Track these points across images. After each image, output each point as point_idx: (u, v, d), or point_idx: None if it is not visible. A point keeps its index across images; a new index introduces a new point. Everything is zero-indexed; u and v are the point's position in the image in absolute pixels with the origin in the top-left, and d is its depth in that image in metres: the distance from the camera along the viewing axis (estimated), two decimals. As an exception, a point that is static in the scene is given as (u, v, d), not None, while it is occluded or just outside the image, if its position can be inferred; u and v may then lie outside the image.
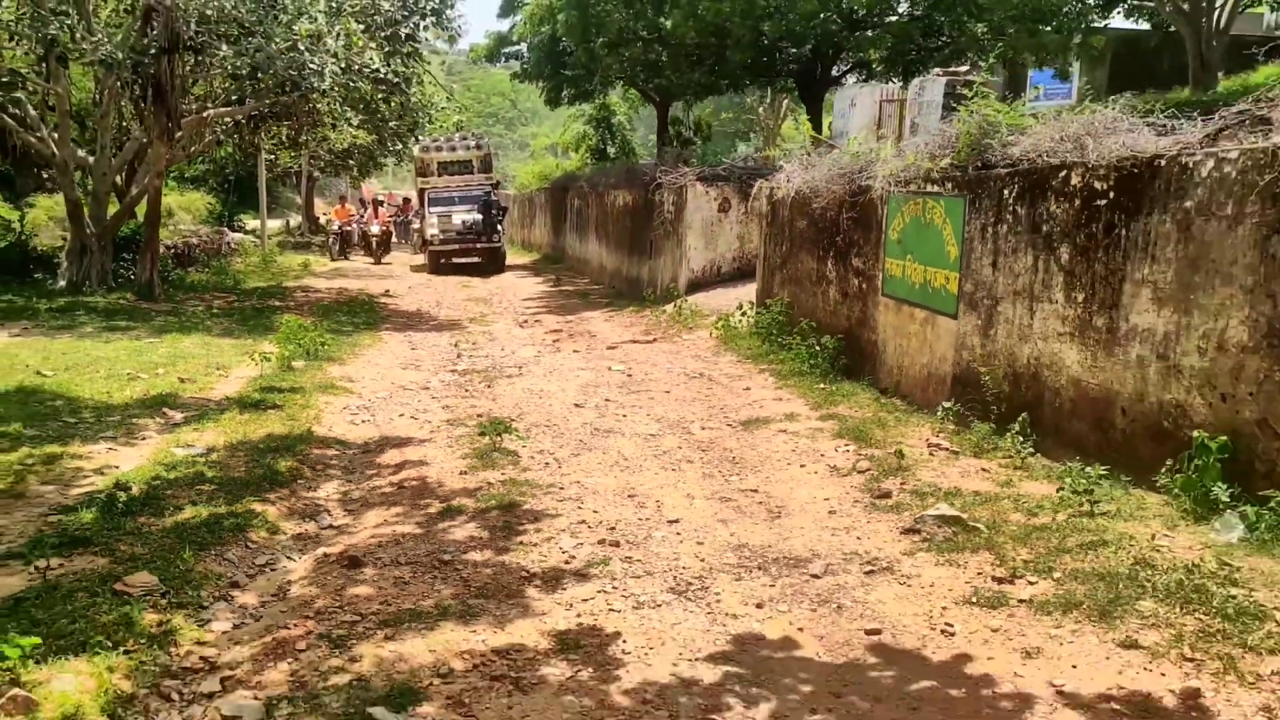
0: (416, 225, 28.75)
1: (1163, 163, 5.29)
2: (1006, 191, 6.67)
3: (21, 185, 23.43)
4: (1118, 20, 23.70)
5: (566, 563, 4.74)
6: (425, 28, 15.14)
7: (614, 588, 4.43)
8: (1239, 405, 4.82)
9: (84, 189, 15.11)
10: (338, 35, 12.72)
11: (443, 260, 22.68)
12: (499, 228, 23.15)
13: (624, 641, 3.90)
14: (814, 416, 7.64)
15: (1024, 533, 4.80)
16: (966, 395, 7.05)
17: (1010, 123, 7.00)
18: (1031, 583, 4.30)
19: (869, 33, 15.35)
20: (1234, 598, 3.84)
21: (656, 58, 17.15)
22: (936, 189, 7.57)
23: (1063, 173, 6.09)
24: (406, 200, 33.50)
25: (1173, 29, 22.64)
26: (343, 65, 12.80)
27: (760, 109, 35.44)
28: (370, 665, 3.68)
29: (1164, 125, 5.66)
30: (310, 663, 3.74)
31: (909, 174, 7.89)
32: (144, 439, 6.78)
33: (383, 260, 25.11)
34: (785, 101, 31.23)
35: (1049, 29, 15.23)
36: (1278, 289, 4.61)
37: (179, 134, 13.90)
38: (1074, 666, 3.60)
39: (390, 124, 18.35)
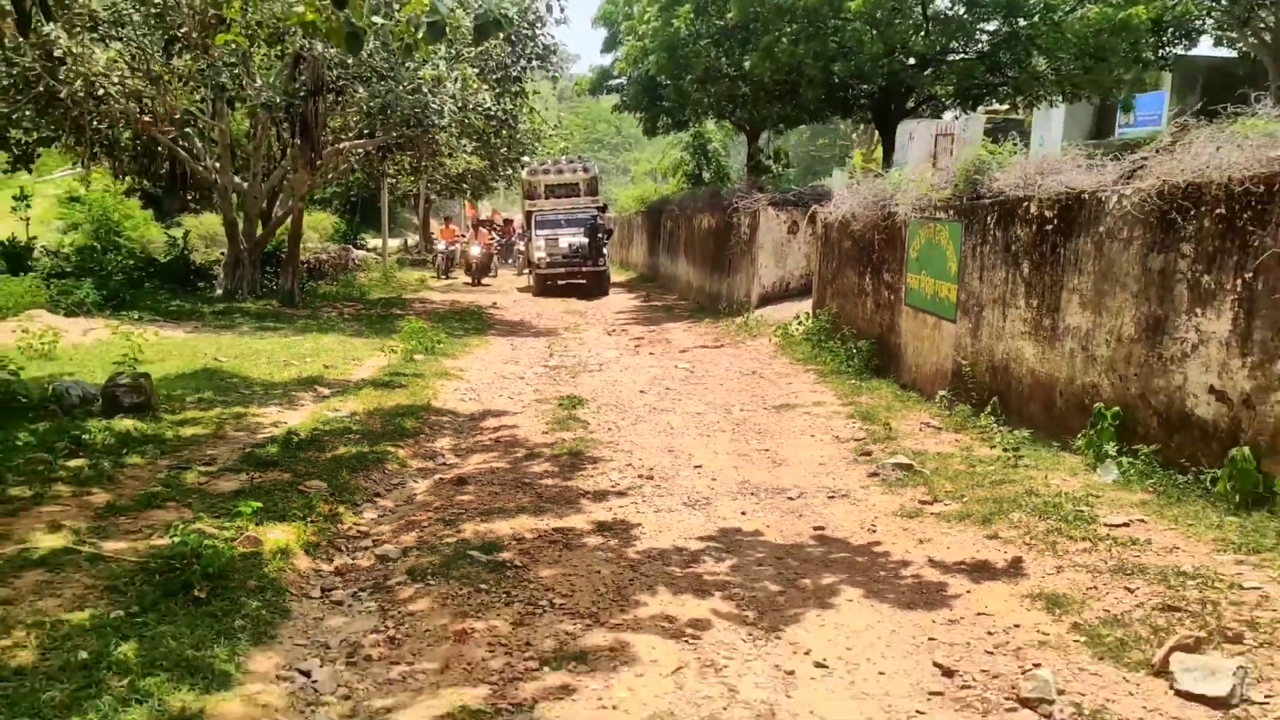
0: (520, 247, 29.87)
1: (1085, 196, 6.84)
2: (989, 218, 8.25)
3: (168, 206, 26.76)
4: (1207, 47, 24.53)
5: (612, 487, 6.56)
6: (531, 70, 17.32)
7: (642, 501, 6.23)
8: (1128, 383, 6.33)
9: (239, 210, 17.72)
10: (455, 79, 14.92)
11: (548, 282, 22.78)
12: (604, 251, 23.29)
13: (642, 528, 5.69)
14: (837, 404, 9.30)
15: (956, 476, 6.42)
16: (959, 386, 8.62)
17: (999, 161, 8.57)
18: (946, 505, 5.92)
19: (934, 71, 16.85)
20: (1080, 513, 5.41)
21: (740, 93, 18.96)
22: (942, 215, 9.17)
23: (1024, 203, 7.66)
24: (508, 222, 34.75)
25: (1257, 58, 23.38)
26: (459, 105, 14.99)
27: (854, 136, 36.85)
28: (470, 534, 5.56)
29: (1098, 164, 7.18)
30: (430, 532, 5.65)
31: (923, 202, 9.50)
32: (302, 405, 8.88)
33: (481, 282, 25.67)
34: (874, 131, 32.61)
35: (1107, 63, 16.44)
36: (1152, 294, 6.13)
37: (319, 163, 16.33)
38: (948, 548, 5.23)
39: (500, 151, 20.63)
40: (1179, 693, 3.57)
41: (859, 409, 8.89)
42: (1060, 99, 17.78)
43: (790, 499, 6.25)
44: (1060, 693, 3.63)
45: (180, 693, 3.56)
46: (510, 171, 25.16)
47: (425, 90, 14.99)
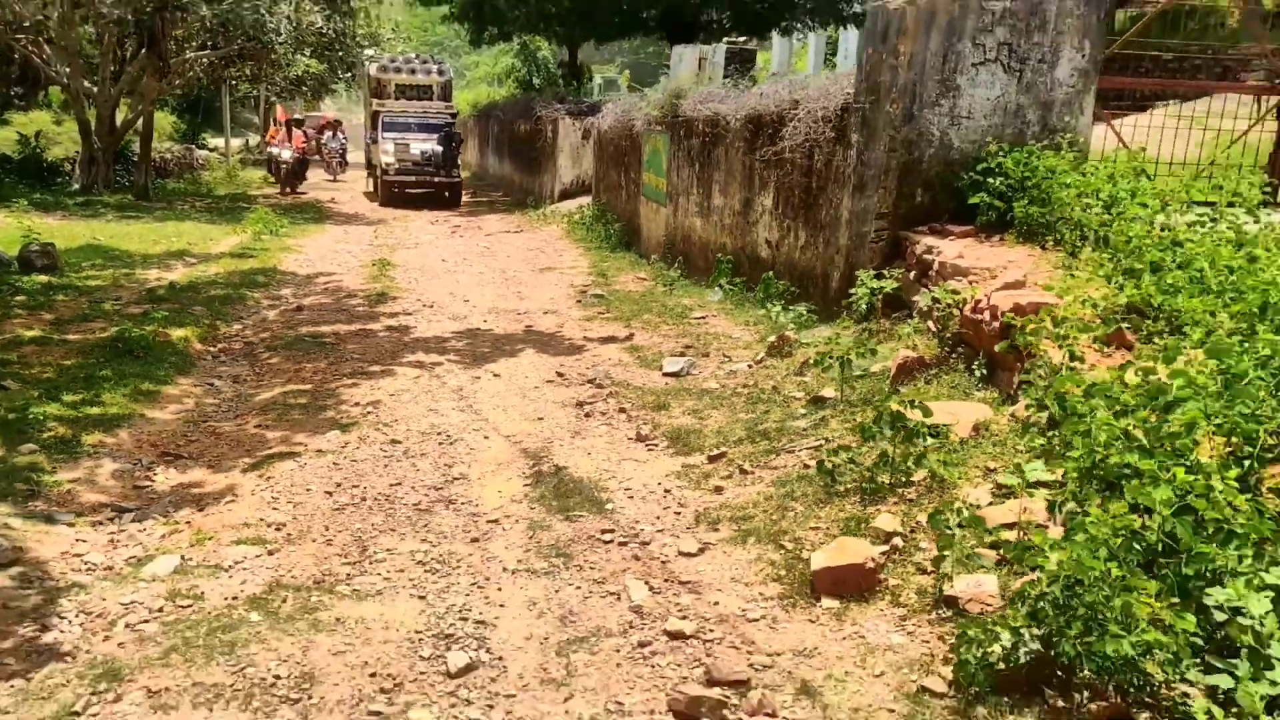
0: (334, 146, 30.19)
1: (723, 118, 10.52)
2: (682, 132, 11.88)
3: (28, 102, 28.03)
4: None
5: (403, 311, 10.02)
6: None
7: (421, 318, 9.71)
8: (736, 240, 10.14)
9: (91, 112, 19.85)
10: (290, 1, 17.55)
11: (396, 190, 21.95)
12: (458, 161, 22.61)
13: (416, 329, 9.19)
14: (586, 266, 12.93)
15: (627, 299, 10.15)
16: (668, 251, 12.36)
17: (694, 90, 12.17)
18: (611, 313, 9.63)
19: (707, 3, 20.38)
20: (683, 312, 9.19)
21: (549, 12, 22.05)
22: (658, 128, 12.77)
23: (696, 122, 11.31)
24: (336, 122, 33.91)
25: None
26: (294, 24, 17.65)
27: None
28: (304, 332, 8.94)
29: (733, 95, 10.82)
30: (278, 331, 8.99)
31: (650, 118, 13.07)
32: (175, 269, 11.90)
33: (296, 190, 23.66)
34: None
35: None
36: (746, 184, 9.89)
37: (168, 72, 18.68)
38: (598, 332, 8.92)
39: (338, 55, 23.19)
40: (663, 374, 7.33)
41: (598, 269, 12.56)
42: (811, 29, 21.60)
43: (519, 314, 9.86)
44: (608, 377, 7.34)
45: (144, 385, 6.89)
46: (350, 74, 27.41)
47: (263, 10, 17.56)
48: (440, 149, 21.75)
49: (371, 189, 24.31)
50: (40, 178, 20.31)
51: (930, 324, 6.29)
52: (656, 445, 5.81)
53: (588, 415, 6.49)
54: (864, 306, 7.17)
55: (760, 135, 9.43)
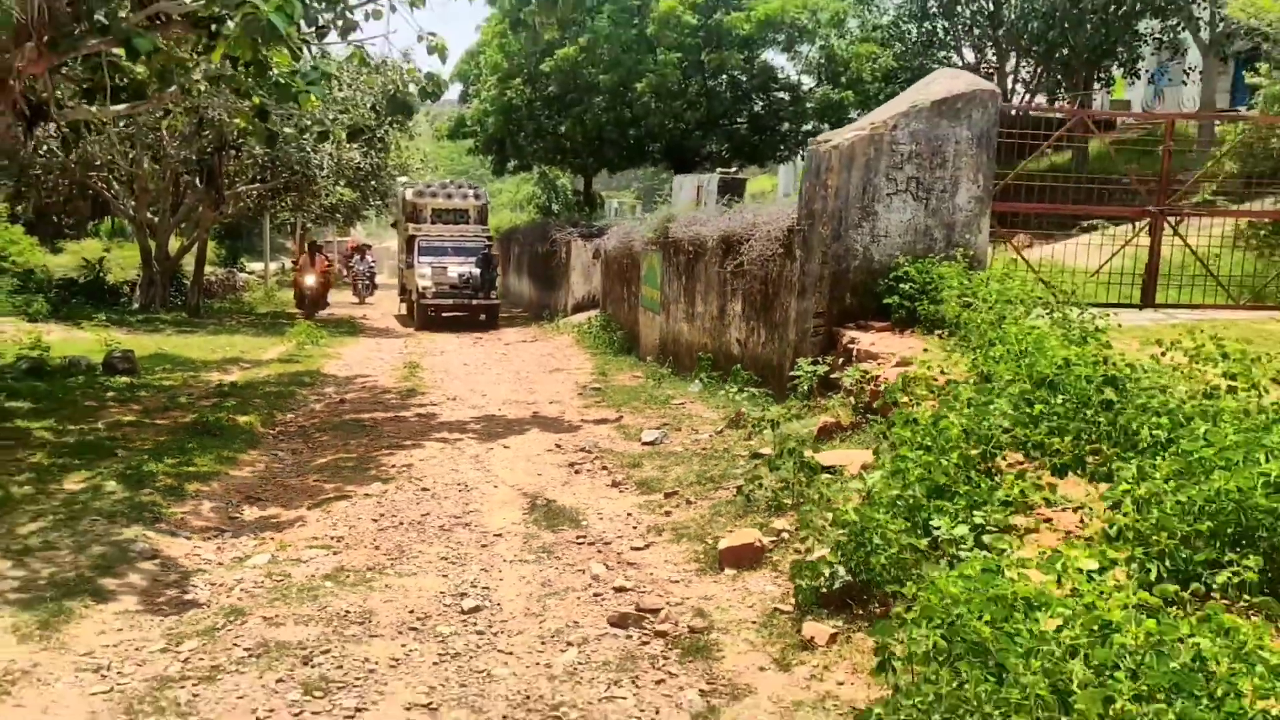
0: (360, 269, 31.79)
1: (702, 239, 12.50)
2: (671, 250, 13.88)
3: (42, 231, 30.80)
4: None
5: (430, 402, 11.85)
6: (394, 129, 22.53)
7: (445, 407, 11.53)
8: (714, 340, 11.98)
9: (152, 240, 22.28)
10: (331, 140, 20.01)
11: (432, 314, 21.92)
12: (495, 284, 22.81)
13: (441, 415, 11.01)
14: (590, 368, 14.79)
15: (621, 390, 11.94)
16: (661, 353, 14.21)
17: (685, 215, 14.22)
18: (606, 401, 11.42)
19: (704, 135, 22.80)
20: (667, 399, 10.97)
21: (564, 147, 24.59)
22: (654, 248, 14.80)
23: (682, 242, 13.31)
24: (365, 247, 35.85)
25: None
26: (335, 160, 20.10)
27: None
28: (347, 418, 10.77)
29: (710, 220, 12.81)
30: (325, 417, 10.83)
31: (646, 239, 15.12)
32: (234, 372, 13.85)
33: (314, 316, 22.77)
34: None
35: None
36: (721, 293, 11.79)
37: (223, 204, 21.12)
38: (594, 415, 10.69)
39: (371, 185, 25.74)
40: (642, 443, 9.07)
41: (599, 369, 14.42)
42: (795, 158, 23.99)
43: (528, 404, 11.67)
44: (596, 446, 9.08)
45: (224, 453, 8.70)
46: (381, 201, 30.00)
47: (308, 149, 20.03)
48: (478, 271, 21.95)
49: (405, 313, 24.81)
50: (103, 298, 22.64)
51: (851, 398, 8.04)
52: (627, 488, 7.53)
53: (576, 471, 8.22)
54: (805, 388, 8.91)
55: (730, 252, 11.37)
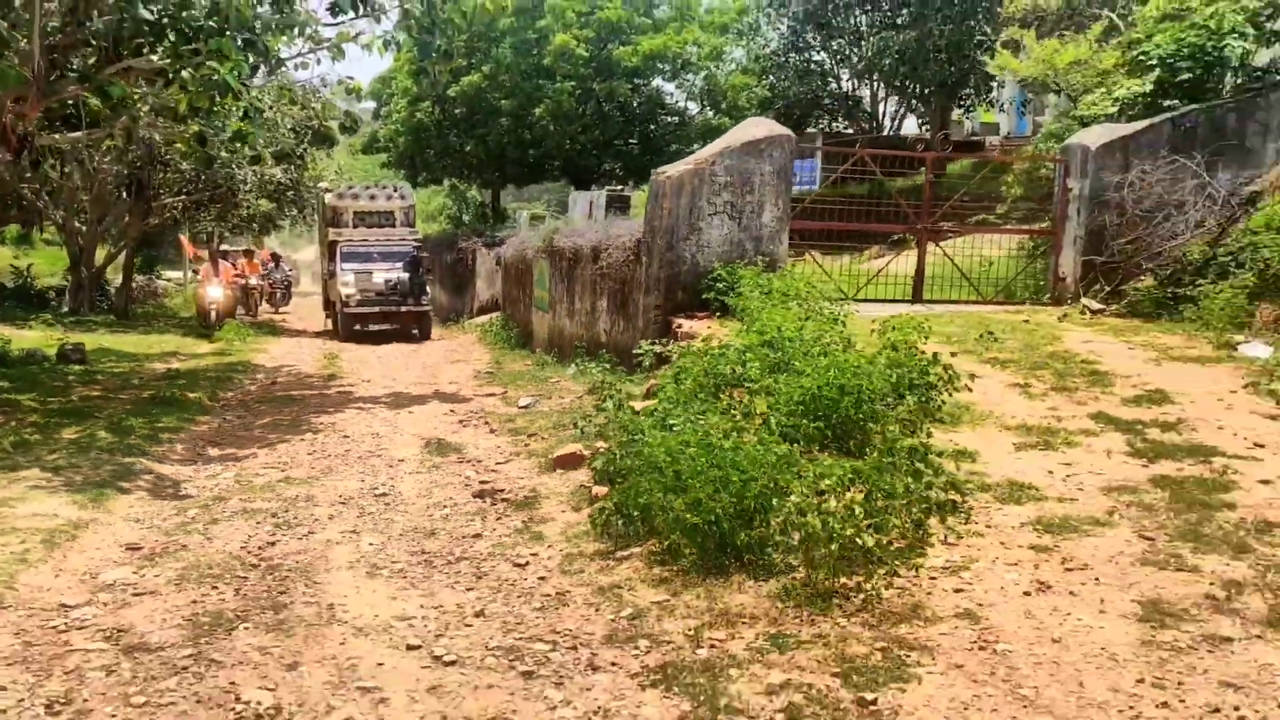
0: (276, 277, 30.60)
1: (579, 247, 15.26)
2: (556, 257, 16.61)
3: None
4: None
5: (348, 384, 14.38)
6: (312, 149, 24.84)
7: (360, 389, 14.07)
8: (589, 332, 14.75)
9: (80, 247, 24.22)
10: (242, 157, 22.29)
11: (358, 326, 21.10)
12: (427, 289, 21.84)
13: (356, 391, 13.55)
14: (487, 359, 17.42)
15: (511, 375, 14.62)
16: (548, 345, 16.92)
17: (566, 228, 16.97)
18: (493, 384, 14.08)
19: (599, 155, 25.65)
20: (551, 382, 13.68)
21: (470, 164, 27.20)
22: (544, 255, 17.52)
23: (565, 250, 16.05)
24: (275, 256, 34.51)
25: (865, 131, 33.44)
26: (259, 177, 22.38)
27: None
28: (278, 394, 13.24)
29: (587, 231, 15.57)
30: (261, 394, 13.29)
31: (536, 248, 17.84)
32: (174, 362, 16.14)
33: (221, 328, 20.63)
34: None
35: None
36: (593, 292, 14.56)
37: (149, 215, 23.20)
38: (483, 391, 13.35)
39: (288, 196, 27.94)
40: (519, 407, 11.75)
41: (495, 360, 17.08)
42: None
43: (431, 385, 14.27)
44: (482, 410, 11.74)
45: (183, 416, 11.14)
46: (297, 212, 32.07)
47: (233, 165, 22.26)
48: (406, 276, 21.13)
49: (332, 326, 23.41)
50: (31, 302, 24.48)
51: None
52: (500, 433, 10.23)
53: (464, 425, 10.90)
54: (646, 363, 11.67)
55: (598, 259, 14.16)
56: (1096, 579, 4.71)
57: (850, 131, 33.98)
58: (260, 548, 6.30)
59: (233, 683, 4.23)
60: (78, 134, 13.83)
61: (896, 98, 30.73)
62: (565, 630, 4.76)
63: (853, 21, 28.09)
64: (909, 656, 4.10)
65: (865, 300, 12.50)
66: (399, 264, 21.64)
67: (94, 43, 11.22)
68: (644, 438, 6.55)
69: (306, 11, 12.55)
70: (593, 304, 14.56)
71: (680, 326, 11.49)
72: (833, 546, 4.85)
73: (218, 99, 10.84)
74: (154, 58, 11.07)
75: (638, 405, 9.16)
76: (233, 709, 3.99)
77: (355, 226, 23.96)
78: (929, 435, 6.38)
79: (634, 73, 25.22)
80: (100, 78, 11.07)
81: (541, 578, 5.61)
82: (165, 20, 10.42)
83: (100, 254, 25.27)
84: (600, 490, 7.16)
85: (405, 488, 8.04)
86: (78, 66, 11.54)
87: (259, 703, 4.04)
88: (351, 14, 12.67)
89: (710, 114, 26.17)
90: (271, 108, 18.45)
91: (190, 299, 31.93)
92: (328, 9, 12.73)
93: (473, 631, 4.80)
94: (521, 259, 19.21)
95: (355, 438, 10.23)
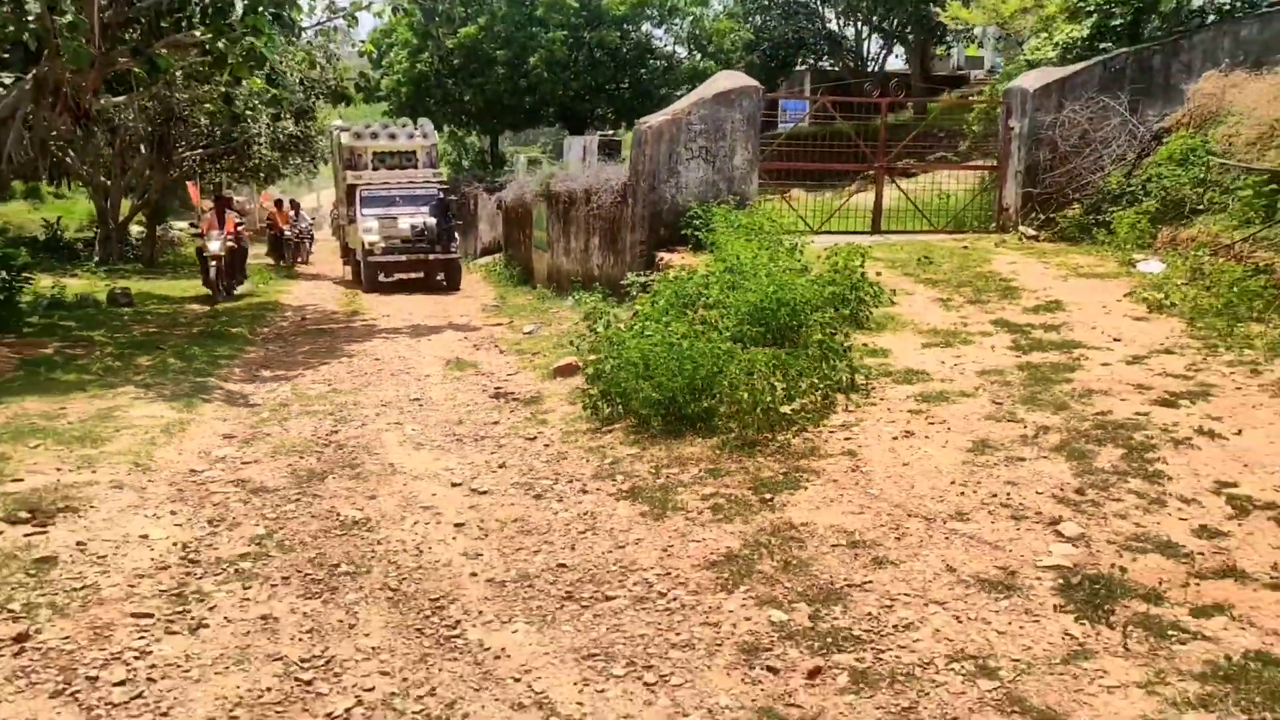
0: (302, 228, 28.48)
1: (573, 191, 16.97)
2: (553, 200, 18.32)
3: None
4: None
5: (370, 319, 16.22)
6: (323, 103, 26.42)
7: (382, 321, 15.91)
8: (584, 268, 16.53)
9: (107, 200, 25.93)
10: (268, 113, 23.92)
11: (383, 275, 20.25)
12: (455, 235, 20.64)
13: (378, 324, 15.39)
14: (492, 295, 19.23)
15: (517, 307, 16.44)
16: (548, 281, 18.70)
17: (561, 173, 18.64)
18: (502, 314, 15.91)
19: (592, 101, 27.16)
20: (550, 311, 15.49)
21: (469, 111, 28.72)
22: (541, 199, 19.22)
23: (560, 194, 17.77)
24: (294, 203, 32.32)
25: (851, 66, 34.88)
26: (272, 130, 24.00)
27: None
28: (310, 327, 15.09)
29: (581, 176, 17.25)
30: (294, 328, 15.13)
31: (535, 192, 19.53)
32: (208, 304, 17.95)
33: (231, 294, 18.33)
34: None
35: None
36: (586, 231, 16.31)
37: (171, 168, 24.85)
38: (492, 323, 15.18)
39: (299, 148, 29.54)
40: (523, 333, 13.58)
41: (500, 295, 18.88)
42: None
43: (445, 317, 16.09)
44: (491, 336, 13.57)
45: (234, 347, 12.99)
46: (299, 161, 33.59)
47: (248, 119, 23.88)
48: (434, 221, 19.93)
49: (350, 276, 22.61)
50: (62, 254, 26.25)
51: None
52: (509, 354, 12.07)
53: (477, 348, 12.74)
54: (633, 292, 13.48)
55: (590, 201, 15.88)
56: (948, 429, 6.56)
57: (836, 69, 35.38)
58: (327, 434, 8.18)
59: (332, 507, 6.11)
60: (120, 98, 15.53)
61: (879, 36, 32.09)
62: (564, 473, 6.64)
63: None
64: (801, 477, 5.96)
65: (829, 232, 14.25)
66: (424, 208, 20.46)
67: (141, 20, 12.85)
68: (624, 344, 8.38)
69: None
70: (586, 242, 16.32)
71: (663, 259, 13.26)
72: (757, 412, 6.71)
73: (255, 70, 12.53)
74: (195, 32, 12.75)
75: (622, 325, 10.99)
76: (336, 520, 5.88)
77: (375, 168, 22.39)
78: (846, 336, 8.20)
79: (623, 20, 26.67)
80: (149, 51, 12.74)
81: (546, 445, 7.50)
82: (207, 1, 12.02)
83: (125, 207, 26.97)
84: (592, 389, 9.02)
85: (433, 394, 9.90)
86: (128, 40, 13.15)
87: (352, 517, 5.92)
88: (361, -17, 14.26)
89: (698, 58, 27.63)
90: (291, 71, 20.01)
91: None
92: (339, -19, 14.31)
93: (497, 475, 6.69)
94: (521, 203, 20.91)
95: (385, 360, 12.08)
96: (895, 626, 4.14)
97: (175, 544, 5.50)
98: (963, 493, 5.50)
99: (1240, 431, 6.13)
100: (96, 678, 3.98)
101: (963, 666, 3.80)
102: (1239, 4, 15.53)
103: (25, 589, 4.82)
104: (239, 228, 19.01)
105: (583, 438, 7.59)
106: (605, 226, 15.27)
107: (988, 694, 3.60)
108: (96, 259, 25.91)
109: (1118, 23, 15.16)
